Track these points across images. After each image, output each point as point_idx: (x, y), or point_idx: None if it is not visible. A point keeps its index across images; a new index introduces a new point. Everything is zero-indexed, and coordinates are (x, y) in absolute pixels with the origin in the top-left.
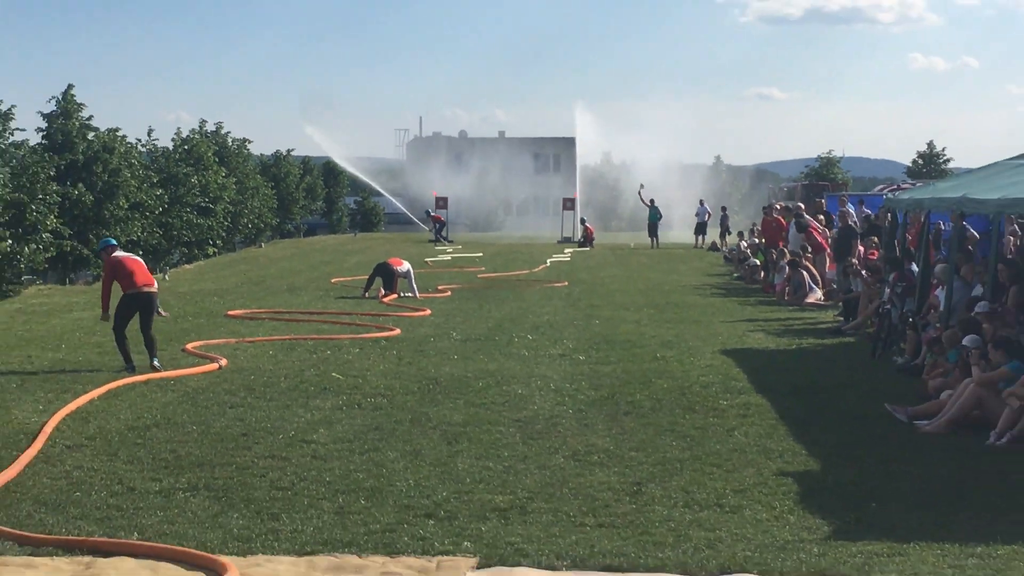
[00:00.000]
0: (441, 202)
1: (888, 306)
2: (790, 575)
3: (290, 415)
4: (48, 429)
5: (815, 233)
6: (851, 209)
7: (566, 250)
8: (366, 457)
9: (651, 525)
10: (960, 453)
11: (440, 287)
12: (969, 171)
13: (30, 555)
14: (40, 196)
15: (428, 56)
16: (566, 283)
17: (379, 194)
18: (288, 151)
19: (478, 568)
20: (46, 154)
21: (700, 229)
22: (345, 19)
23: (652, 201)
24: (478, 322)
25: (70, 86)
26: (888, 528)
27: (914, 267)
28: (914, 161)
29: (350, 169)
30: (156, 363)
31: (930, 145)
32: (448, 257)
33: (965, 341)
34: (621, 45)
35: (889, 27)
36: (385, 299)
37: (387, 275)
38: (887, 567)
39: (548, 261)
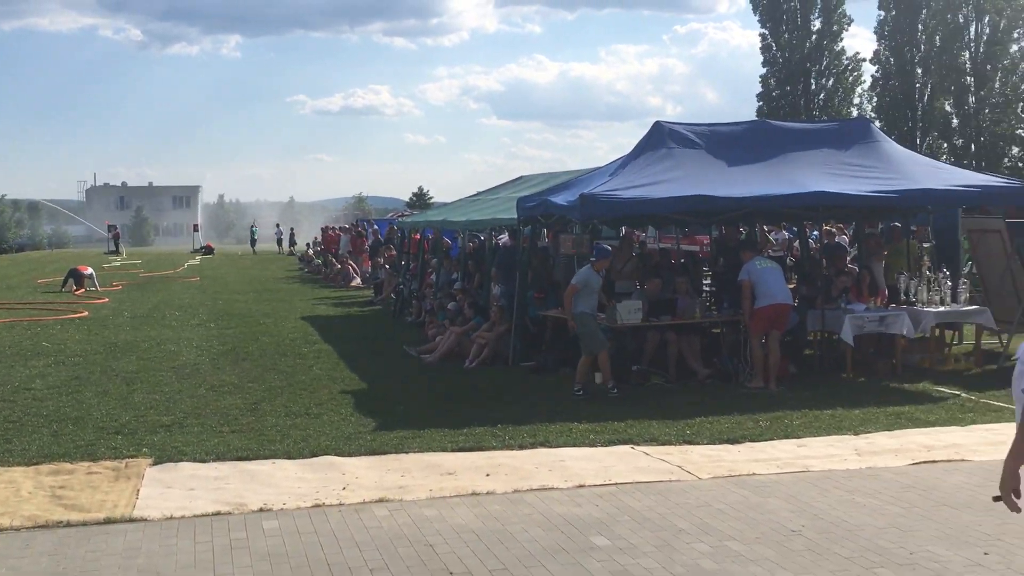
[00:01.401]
0: (112, 228)
1: (402, 286)
2: (354, 454)
3: (15, 372)
4: None
5: (363, 242)
6: (377, 228)
7: (196, 257)
8: (71, 397)
9: (265, 429)
10: (449, 373)
11: (114, 283)
12: (446, 204)
13: None
14: None
15: (99, 130)
16: (198, 278)
17: (69, 223)
18: (3, 195)
19: (154, 465)
20: None
21: (279, 242)
22: (42, 104)
23: (253, 225)
24: (142, 305)
25: None
26: (411, 420)
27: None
28: (410, 198)
29: None
30: None
31: (420, 188)
32: (119, 263)
33: (449, 306)
34: (227, 125)
35: (392, 117)
36: (76, 292)
37: (77, 276)
38: (412, 444)
39: (185, 264)
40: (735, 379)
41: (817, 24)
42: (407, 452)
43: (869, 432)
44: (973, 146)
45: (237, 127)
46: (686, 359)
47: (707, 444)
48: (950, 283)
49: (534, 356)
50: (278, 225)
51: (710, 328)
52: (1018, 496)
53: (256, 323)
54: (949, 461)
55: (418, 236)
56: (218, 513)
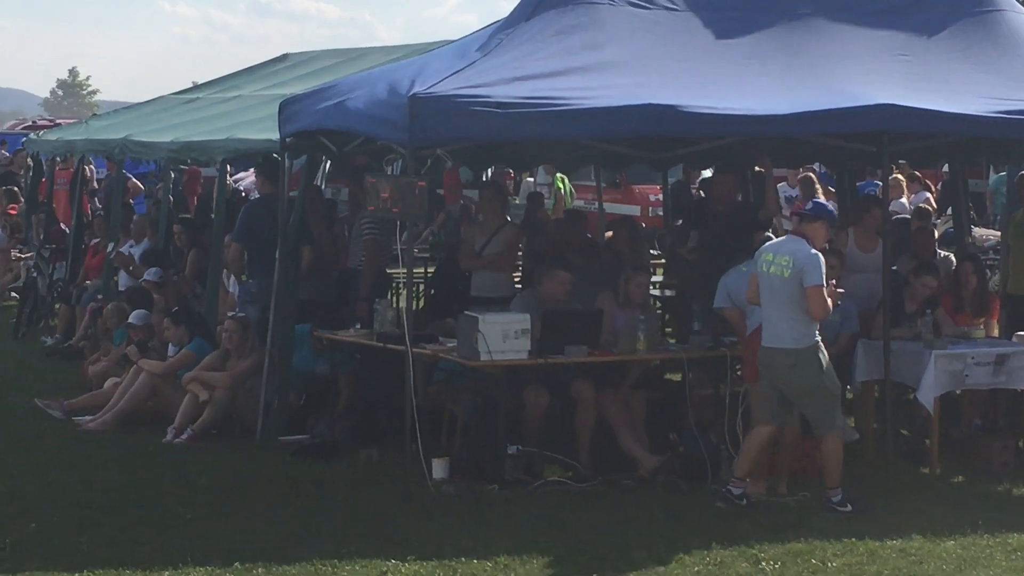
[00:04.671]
0: None
1: (34, 273)
2: None
3: None
4: None
5: None
6: None
7: None
8: None
9: None
10: (133, 456)
11: None
12: (130, 107)
13: None
14: None
15: None
16: None
17: None
18: None
19: None
20: None
21: None
22: None
23: None
24: None
25: None
26: (53, 554)
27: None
28: (53, 92)
29: None
30: None
31: (72, 72)
32: None
33: (133, 318)
34: None
35: None
36: None
37: None
38: None
39: None
40: (712, 474)
41: None
42: None
43: None
44: None
45: None
46: (616, 435)
47: None
48: None
49: (307, 423)
50: None
51: (661, 374)
52: None
53: None
54: None
55: (70, 170)
56: None
